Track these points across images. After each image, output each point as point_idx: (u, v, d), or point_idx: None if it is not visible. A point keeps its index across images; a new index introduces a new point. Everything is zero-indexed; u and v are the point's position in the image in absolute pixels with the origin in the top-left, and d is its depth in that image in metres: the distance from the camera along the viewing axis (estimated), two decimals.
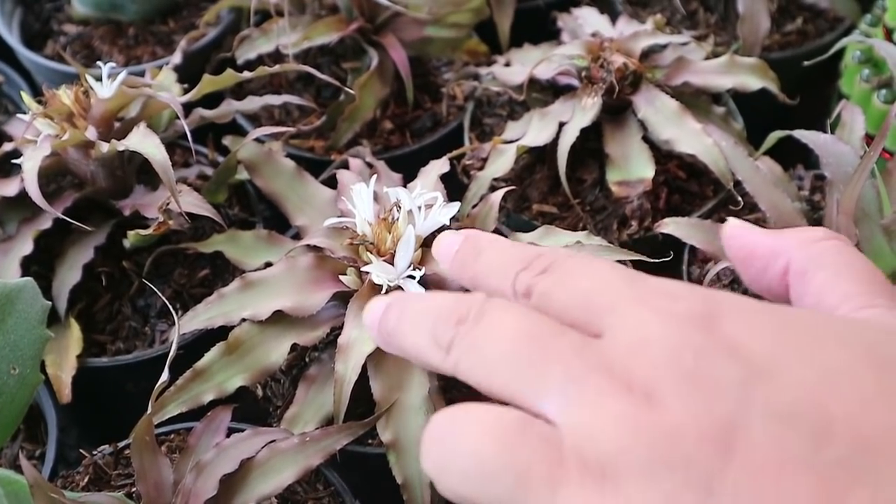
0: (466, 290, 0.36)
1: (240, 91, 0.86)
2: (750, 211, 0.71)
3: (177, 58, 0.82)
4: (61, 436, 0.65)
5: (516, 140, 0.72)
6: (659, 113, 0.70)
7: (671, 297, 0.29)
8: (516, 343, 0.29)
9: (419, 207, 0.56)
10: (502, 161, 0.70)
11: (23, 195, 0.64)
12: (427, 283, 0.55)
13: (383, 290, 0.54)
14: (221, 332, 0.58)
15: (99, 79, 0.67)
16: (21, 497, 0.51)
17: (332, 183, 0.66)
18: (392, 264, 0.54)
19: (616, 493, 0.25)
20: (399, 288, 0.54)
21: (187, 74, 0.77)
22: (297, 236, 0.66)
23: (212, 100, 0.73)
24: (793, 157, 0.72)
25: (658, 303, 0.29)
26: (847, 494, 0.24)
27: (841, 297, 0.32)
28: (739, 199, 0.66)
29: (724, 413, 0.25)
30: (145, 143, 0.62)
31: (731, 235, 0.37)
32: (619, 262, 0.56)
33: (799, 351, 0.27)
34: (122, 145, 0.63)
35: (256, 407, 0.64)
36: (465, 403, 0.29)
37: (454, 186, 0.69)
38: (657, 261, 0.56)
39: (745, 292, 0.66)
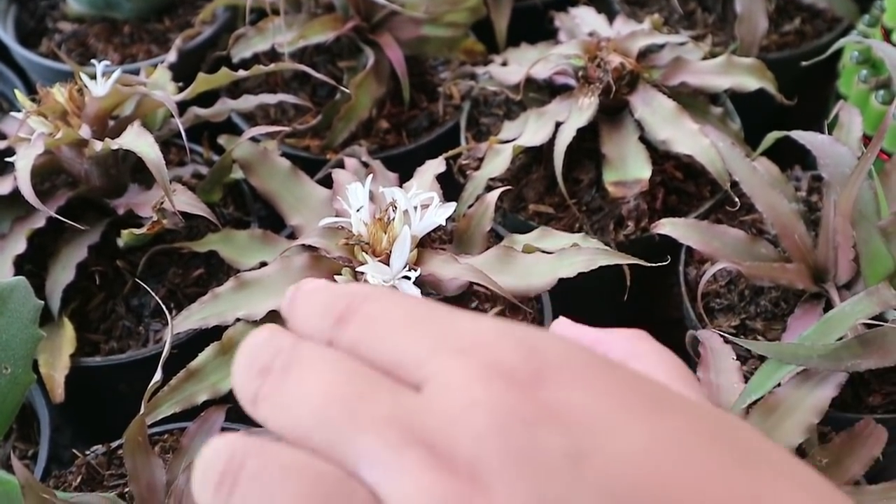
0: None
1: (235, 90, 0.86)
2: (747, 212, 0.71)
3: (172, 56, 0.81)
4: (54, 435, 0.65)
5: (513, 140, 0.72)
6: (656, 113, 0.70)
7: (492, 348, 0.26)
8: (327, 402, 0.26)
9: (415, 208, 0.56)
10: (498, 161, 0.70)
11: (16, 194, 0.64)
12: (423, 283, 0.55)
13: None
14: (216, 332, 0.58)
15: (93, 77, 0.67)
16: (13, 497, 0.51)
17: (327, 182, 0.66)
18: (387, 264, 0.54)
19: None
20: (394, 288, 0.54)
21: (182, 73, 0.77)
22: (291, 236, 0.66)
23: (207, 98, 0.72)
24: (790, 157, 0.71)
25: (479, 355, 0.26)
26: None
27: None
28: (736, 199, 0.66)
29: (556, 497, 0.23)
30: (139, 141, 0.62)
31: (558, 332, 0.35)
32: (619, 264, 0.56)
33: (630, 415, 0.25)
34: (115, 144, 0.63)
35: None
36: (273, 442, 0.26)
37: (450, 186, 0.69)
38: (654, 265, 0.56)
39: (742, 293, 0.66)
